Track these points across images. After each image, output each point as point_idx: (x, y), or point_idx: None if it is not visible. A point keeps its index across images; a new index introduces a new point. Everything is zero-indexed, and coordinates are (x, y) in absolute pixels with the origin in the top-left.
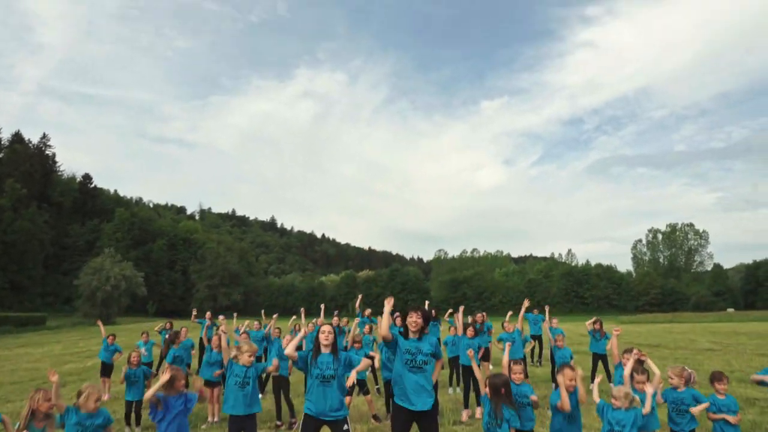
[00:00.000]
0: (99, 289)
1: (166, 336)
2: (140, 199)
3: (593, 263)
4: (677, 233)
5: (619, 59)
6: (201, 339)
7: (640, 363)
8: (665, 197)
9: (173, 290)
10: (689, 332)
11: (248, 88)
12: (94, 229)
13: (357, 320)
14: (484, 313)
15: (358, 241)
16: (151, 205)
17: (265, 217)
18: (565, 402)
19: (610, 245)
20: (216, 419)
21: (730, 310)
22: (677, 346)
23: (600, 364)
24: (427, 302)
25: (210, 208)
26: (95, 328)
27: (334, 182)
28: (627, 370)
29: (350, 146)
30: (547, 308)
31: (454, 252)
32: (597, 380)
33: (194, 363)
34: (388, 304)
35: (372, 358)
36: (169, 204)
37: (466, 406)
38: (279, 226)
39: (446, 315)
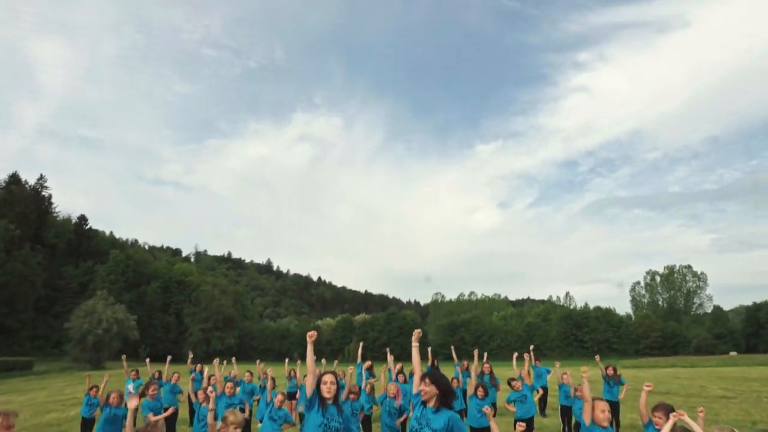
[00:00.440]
0: (90, 332)
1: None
2: (136, 241)
3: (591, 305)
4: (675, 275)
5: (611, 103)
6: (189, 396)
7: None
8: (661, 238)
9: (166, 334)
10: (696, 377)
11: (245, 132)
12: (87, 270)
13: (351, 369)
14: (490, 364)
15: (355, 284)
16: (147, 247)
17: (261, 259)
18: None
19: (607, 287)
20: None
21: (733, 353)
22: (688, 393)
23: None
24: (436, 362)
25: (206, 251)
26: (83, 373)
27: (331, 225)
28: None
29: (346, 189)
30: (557, 364)
31: (451, 295)
32: None
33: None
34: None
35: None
36: (165, 246)
37: None
38: (275, 268)
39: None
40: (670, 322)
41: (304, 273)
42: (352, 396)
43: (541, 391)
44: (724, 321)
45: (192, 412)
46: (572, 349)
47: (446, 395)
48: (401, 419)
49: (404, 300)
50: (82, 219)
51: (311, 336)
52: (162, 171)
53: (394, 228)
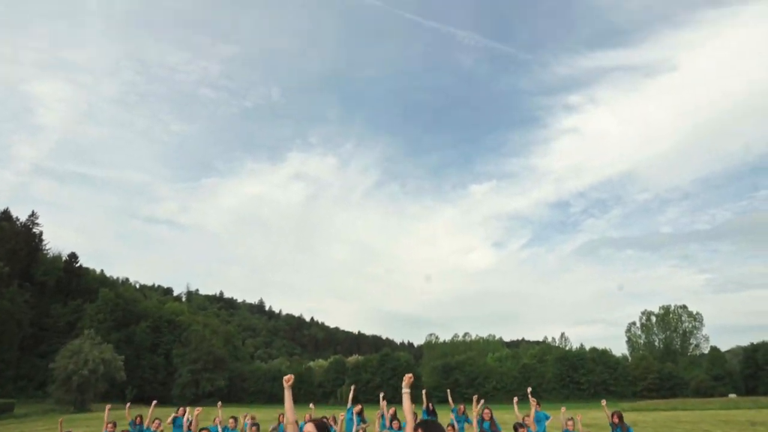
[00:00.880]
0: (75, 372)
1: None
2: (126, 279)
3: (587, 346)
4: (671, 315)
5: (601, 145)
6: None
7: None
8: (654, 279)
9: (154, 375)
10: (700, 421)
11: (241, 171)
12: (76, 309)
13: (342, 415)
14: (490, 409)
15: (348, 324)
16: (138, 286)
17: (253, 299)
18: None
19: (602, 327)
20: None
21: (732, 395)
22: None
23: None
24: (431, 405)
25: (197, 290)
26: (67, 416)
27: (324, 264)
28: None
29: (341, 229)
30: (563, 409)
31: (445, 336)
32: None
33: None
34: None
35: None
36: (156, 285)
37: None
38: (267, 308)
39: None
40: (667, 364)
41: (296, 313)
42: None
43: None
44: (722, 362)
45: None
46: (569, 392)
47: None
48: None
49: (397, 341)
50: (73, 257)
51: (288, 380)
52: (157, 209)
53: (388, 268)
